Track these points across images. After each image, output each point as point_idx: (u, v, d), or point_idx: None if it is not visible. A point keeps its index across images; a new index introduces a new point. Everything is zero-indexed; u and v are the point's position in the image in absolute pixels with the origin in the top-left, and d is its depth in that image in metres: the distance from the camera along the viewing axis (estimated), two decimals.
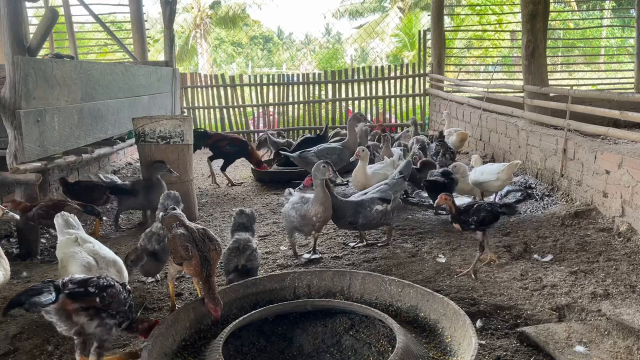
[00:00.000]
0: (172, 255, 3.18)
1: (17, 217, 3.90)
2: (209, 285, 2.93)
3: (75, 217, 3.67)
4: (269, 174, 7.58)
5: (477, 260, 3.98)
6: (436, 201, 4.03)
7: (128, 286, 2.74)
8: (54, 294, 2.37)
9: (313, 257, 4.35)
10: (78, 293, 2.45)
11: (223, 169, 7.61)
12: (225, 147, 7.54)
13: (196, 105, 12.17)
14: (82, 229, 3.62)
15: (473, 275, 3.87)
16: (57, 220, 3.54)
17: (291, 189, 4.70)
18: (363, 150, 5.59)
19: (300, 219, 4.15)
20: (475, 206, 4.04)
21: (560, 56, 20.08)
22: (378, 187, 4.62)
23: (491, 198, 6.01)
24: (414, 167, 5.74)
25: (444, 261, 4.23)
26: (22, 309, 2.33)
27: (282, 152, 7.36)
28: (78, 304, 2.44)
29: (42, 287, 2.38)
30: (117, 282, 2.65)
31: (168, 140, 5.45)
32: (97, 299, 2.48)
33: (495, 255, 4.19)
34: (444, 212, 4.14)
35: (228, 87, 12.18)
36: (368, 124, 8.52)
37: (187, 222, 3.26)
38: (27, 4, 6.37)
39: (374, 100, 12.66)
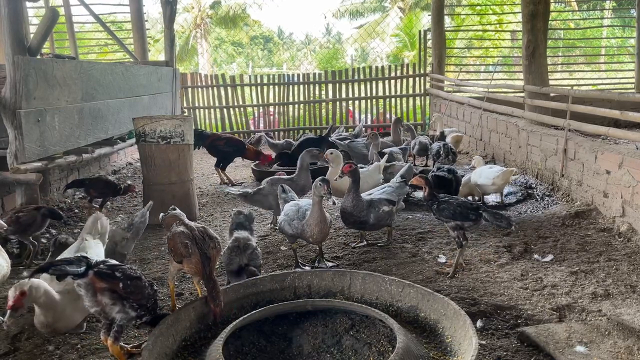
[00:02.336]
0: (172, 253, 3.19)
1: (5, 226, 3.92)
2: (212, 284, 2.95)
3: (106, 221, 3.65)
4: (269, 173, 7.58)
5: (460, 257, 3.98)
6: (410, 181, 4.27)
7: (154, 286, 2.90)
8: (83, 268, 2.57)
9: (320, 266, 4.21)
10: (105, 274, 2.64)
11: (218, 165, 7.63)
12: (224, 147, 7.54)
13: (196, 105, 12.17)
14: (106, 234, 3.66)
15: (451, 274, 3.90)
16: (87, 221, 3.64)
17: (284, 186, 4.57)
18: (332, 154, 5.29)
19: (298, 234, 4.00)
20: (446, 198, 4.01)
21: (561, 56, 20.08)
22: (382, 189, 4.62)
23: (491, 197, 6.03)
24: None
25: (444, 261, 4.23)
26: (50, 274, 2.57)
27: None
28: (104, 284, 2.62)
29: (74, 260, 2.62)
30: (144, 277, 2.83)
31: (168, 140, 5.45)
32: (120, 284, 2.64)
33: (463, 265, 4.06)
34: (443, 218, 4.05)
35: (228, 87, 12.18)
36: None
37: (187, 221, 3.26)
38: (28, 4, 6.38)
39: (374, 100, 12.66)
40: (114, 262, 2.82)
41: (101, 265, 2.67)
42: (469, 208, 3.91)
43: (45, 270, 2.55)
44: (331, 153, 5.29)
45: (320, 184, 3.78)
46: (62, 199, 6.43)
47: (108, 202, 6.13)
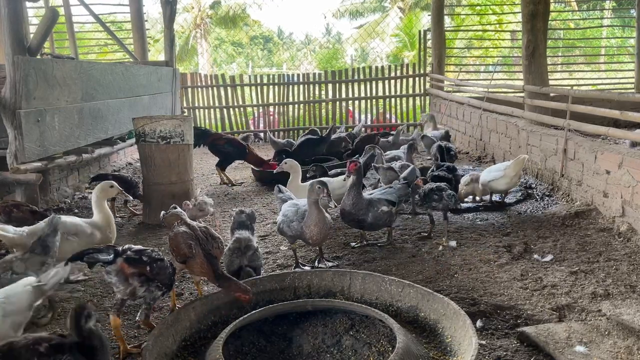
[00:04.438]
0: (174, 253, 3.18)
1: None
2: (227, 280, 3.03)
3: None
4: (269, 174, 7.58)
5: (447, 232, 4.77)
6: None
7: (173, 264, 3.06)
8: (112, 256, 2.77)
9: (320, 266, 4.19)
10: (133, 259, 2.81)
11: (219, 165, 7.64)
12: (224, 146, 7.55)
13: (196, 105, 12.17)
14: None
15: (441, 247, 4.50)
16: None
17: (280, 186, 4.58)
18: (285, 163, 5.23)
19: (297, 236, 3.98)
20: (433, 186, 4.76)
21: (561, 56, 20.08)
22: (384, 190, 4.62)
23: (495, 197, 6.01)
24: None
25: (454, 244, 4.49)
26: (83, 262, 2.79)
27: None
28: (132, 269, 2.77)
29: (103, 249, 2.81)
30: (166, 259, 2.97)
31: (168, 140, 5.45)
32: (148, 268, 2.81)
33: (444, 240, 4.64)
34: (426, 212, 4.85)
35: (228, 87, 12.18)
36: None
37: (189, 221, 3.26)
38: (28, 4, 6.39)
39: (374, 100, 12.65)
40: (139, 247, 2.95)
41: (128, 252, 2.84)
42: (434, 191, 4.70)
43: (80, 258, 2.74)
44: (285, 163, 5.19)
45: (318, 187, 3.74)
46: (62, 199, 6.43)
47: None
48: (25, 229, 3.56)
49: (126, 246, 2.91)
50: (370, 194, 4.56)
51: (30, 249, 3.21)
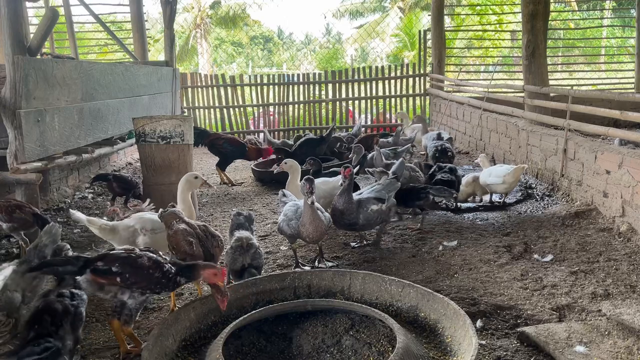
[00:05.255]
0: (174, 251, 3.19)
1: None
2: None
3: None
4: (269, 173, 7.58)
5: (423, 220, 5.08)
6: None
7: (165, 267, 2.73)
8: (77, 268, 2.62)
9: (320, 266, 4.20)
10: (101, 270, 2.65)
11: (219, 165, 7.66)
12: (222, 146, 7.57)
13: (196, 105, 12.17)
14: None
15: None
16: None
17: (284, 190, 4.60)
18: (286, 163, 5.21)
19: (295, 234, 3.99)
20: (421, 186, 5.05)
21: (561, 56, 20.09)
22: (372, 187, 4.60)
23: (495, 197, 6.01)
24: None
25: (455, 244, 4.48)
26: (43, 273, 2.68)
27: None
28: (103, 280, 2.63)
29: (70, 260, 2.67)
30: (152, 263, 2.70)
31: (168, 140, 5.45)
32: (118, 279, 2.63)
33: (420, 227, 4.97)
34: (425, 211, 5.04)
35: (228, 87, 12.18)
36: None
37: (187, 219, 3.27)
38: (28, 4, 6.38)
39: (374, 100, 12.66)
40: (115, 253, 2.75)
41: (98, 263, 2.67)
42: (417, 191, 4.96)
43: (39, 269, 2.58)
44: (285, 163, 5.20)
45: (303, 183, 3.78)
46: (62, 199, 6.43)
47: (108, 202, 6.13)
48: (114, 222, 3.89)
49: (99, 255, 2.73)
50: (359, 194, 4.54)
51: (27, 260, 2.86)
